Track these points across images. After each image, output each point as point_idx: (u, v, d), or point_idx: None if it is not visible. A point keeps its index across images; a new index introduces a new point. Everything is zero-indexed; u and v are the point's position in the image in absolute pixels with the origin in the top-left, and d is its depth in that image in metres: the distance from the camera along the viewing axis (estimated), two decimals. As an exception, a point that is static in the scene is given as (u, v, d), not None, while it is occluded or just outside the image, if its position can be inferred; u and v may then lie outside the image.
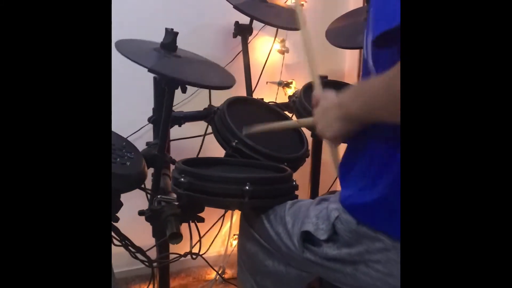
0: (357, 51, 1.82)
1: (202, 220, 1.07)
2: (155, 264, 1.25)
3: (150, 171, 1.21)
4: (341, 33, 1.51)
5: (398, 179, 0.66)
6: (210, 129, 1.28)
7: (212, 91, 1.40)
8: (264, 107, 1.38)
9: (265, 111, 1.34)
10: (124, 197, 0.99)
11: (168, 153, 1.32)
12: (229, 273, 1.71)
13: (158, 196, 1.08)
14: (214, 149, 1.27)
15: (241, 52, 1.59)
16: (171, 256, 1.32)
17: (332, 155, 0.84)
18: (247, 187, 0.89)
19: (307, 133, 1.40)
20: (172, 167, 1.21)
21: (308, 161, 1.57)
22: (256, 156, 1.13)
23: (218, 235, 1.70)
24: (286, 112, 1.45)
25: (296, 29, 1.55)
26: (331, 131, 0.75)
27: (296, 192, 1.00)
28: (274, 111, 1.36)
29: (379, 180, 0.69)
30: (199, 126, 1.42)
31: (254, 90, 1.62)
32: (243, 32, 1.54)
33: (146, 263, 1.17)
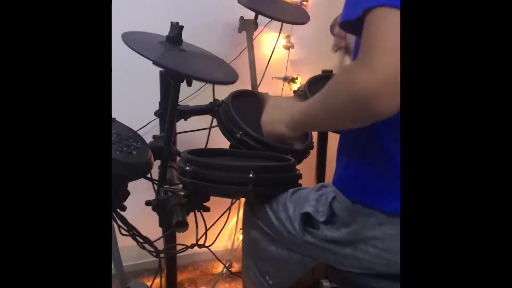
0: (362, 46, 1.83)
1: (207, 209, 1.09)
2: (162, 255, 1.27)
3: (157, 164, 1.23)
4: (345, 27, 1.52)
5: (379, 160, 0.70)
6: (215, 123, 1.30)
7: (217, 86, 1.42)
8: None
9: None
10: (132, 190, 1.01)
11: (175, 146, 1.35)
12: (236, 267, 1.73)
13: (165, 186, 1.10)
14: (220, 143, 1.29)
15: (247, 48, 1.61)
16: (178, 248, 1.34)
17: None
18: (250, 175, 0.90)
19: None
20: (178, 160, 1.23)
21: (314, 153, 1.58)
22: (260, 147, 1.15)
23: (225, 229, 1.72)
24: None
25: (302, 23, 1.58)
26: (272, 130, 0.83)
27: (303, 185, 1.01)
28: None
29: (365, 156, 0.74)
30: (205, 120, 1.44)
31: (259, 85, 1.64)
32: (248, 27, 1.56)
33: (153, 254, 1.19)
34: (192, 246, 1.27)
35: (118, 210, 0.99)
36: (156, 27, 1.21)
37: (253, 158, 1.10)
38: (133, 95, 1.56)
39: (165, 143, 1.18)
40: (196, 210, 1.14)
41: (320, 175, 1.60)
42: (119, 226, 1.06)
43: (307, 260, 0.87)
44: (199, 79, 1.07)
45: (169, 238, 1.36)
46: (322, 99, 0.66)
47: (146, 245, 1.17)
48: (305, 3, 1.79)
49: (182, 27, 1.14)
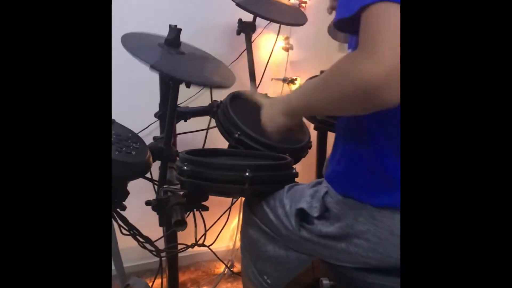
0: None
1: (206, 208, 1.11)
2: (163, 254, 1.29)
3: (158, 164, 1.25)
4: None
5: (368, 156, 0.71)
6: (213, 123, 1.32)
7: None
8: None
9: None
10: (133, 191, 1.03)
11: (175, 147, 1.36)
12: (237, 267, 1.74)
13: (164, 186, 1.12)
14: (219, 143, 1.31)
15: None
16: (179, 247, 1.36)
17: None
18: (247, 174, 0.92)
19: (309, 125, 1.43)
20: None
21: (314, 152, 1.60)
22: (258, 147, 1.16)
23: (227, 230, 1.74)
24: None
25: (300, 25, 1.60)
26: (273, 124, 0.84)
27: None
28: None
29: (351, 157, 0.75)
30: (205, 121, 1.47)
31: (258, 86, 1.66)
32: (246, 29, 1.58)
33: (154, 253, 1.21)
34: (192, 245, 1.29)
35: (118, 210, 1.01)
36: (156, 29, 1.24)
37: (251, 158, 1.12)
38: (135, 97, 1.58)
39: (165, 144, 1.20)
40: (195, 210, 1.16)
41: (320, 174, 1.62)
42: (119, 226, 1.08)
43: (304, 257, 0.88)
44: (196, 83, 1.08)
45: (171, 238, 1.37)
46: (322, 88, 0.67)
47: (147, 245, 1.19)
48: (303, 4, 1.81)
49: (180, 29, 1.16)
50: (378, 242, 0.72)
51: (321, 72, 1.67)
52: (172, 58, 1.13)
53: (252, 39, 1.64)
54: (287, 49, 1.80)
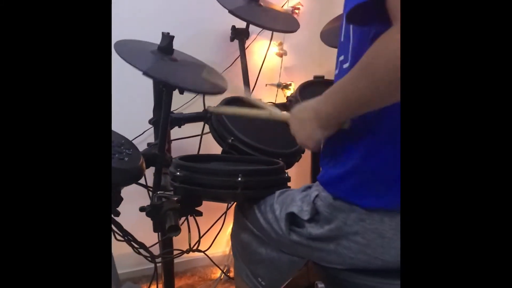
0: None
1: (200, 214, 1.11)
2: (158, 260, 1.30)
3: (152, 170, 1.26)
4: (335, 34, 1.55)
5: (361, 159, 0.72)
6: (207, 129, 1.33)
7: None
8: (259, 106, 1.41)
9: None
10: (127, 197, 1.03)
11: (169, 153, 1.37)
12: (233, 272, 1.75)
13: (158, 192, 1.13)
14: (213, 149, 1.32)
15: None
16: (174, 253, 1.36)
17: None
18: (239, 179, 0.93)
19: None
20: (172, 166, 1.25)
21: (309, 157, 1.61)
22: (251, 152, 1.17)
23: (223, 235, 1.74)
24: (284, 112, 1.49)
25: (292, 32, 1.61)
26: (313, 141, 0.78)
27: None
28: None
29: (345, 159, 0.75)
30: (200, 127, 1.48)
31: (252, 92, 1.67)
32: (240, 36, 1.59)
33: (149, 259, 1.22)
34: (187, 251, 1.30)
35: (112, 216, 1.02)
36: (149, 37, 1.25)
37: (243, 163, 1.13)
38: (129, 104, 1.59)
39: (159, 150, 1.21)
40: (189, 215, 1.17)
41: (315, 178, 1.63)
42: (114, 232, 1.09)
43: (296, 259, 0.89)
44: (187, 89, 1.10)
45: (166, 243, 1.38)
46: (359, 73, 0.63)
47: (142, 251, 1.19)
48: (296, 11, 1.82)
49: (173, 37, 1.18)
50: (366, 244, 0.73)
51: (315, 77, 1.70)
52: (165, 64, 1.14)
53: (246, 46, 1.66)
54: (280, 55, 1.82)
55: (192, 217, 1.20)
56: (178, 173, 0.97)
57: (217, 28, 1.70)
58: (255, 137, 1.19)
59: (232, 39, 1.61)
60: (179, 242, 1.35)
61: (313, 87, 1.56)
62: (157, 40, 1.20)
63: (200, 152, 1.48)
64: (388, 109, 0.64)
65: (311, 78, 1.70)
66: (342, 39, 0.78)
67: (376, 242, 0.73)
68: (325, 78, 1.68)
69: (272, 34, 1.71)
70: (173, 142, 1.49)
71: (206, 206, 1.12)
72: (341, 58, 0.78)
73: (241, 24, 1.59)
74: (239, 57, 1.64)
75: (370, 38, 0.67)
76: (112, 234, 1.08)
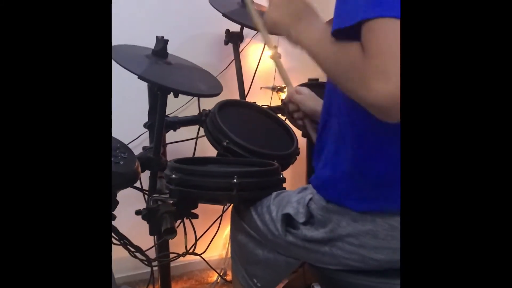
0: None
1: (196, 216, 1.12)
2: (154, 263, 1.30)
3: (147, 174, 1.26)
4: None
5: (352, 162, 0.72)
6: (202, 133, 1.33)
7: (205, 98, 1.46)
8: (254, 108, 1.43)
9: (256, 113, 1.39)
10: (123, 201, 1.04)
11: (165, 157, 1.38)
12: (230, 275, 1.75)
13: (154, 195, 1.13)
14: (209, 152, 1.32)
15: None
16: (170, 256, 1.36)
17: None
18: (234, 180, 0.93)
19: (297, 132, 1.45)
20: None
21: (304, 159, 1.61)
22: (246, 154, 1.18)
23: (220, 238, 1.74)
24: (280, 115, 1.50)
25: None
26: (274, 24, 0.81)
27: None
28: (264, 112, 1.41)
29: (336, 163, 0.76)
30: (195, 131, 1.48)
31: (247, 95, 1.67)
32: (234, 39, 1.60)
33: (145, 262, 1.22)
34: (183, 254, 1.29)
35: (108, 219, 1.02)
36: (144, 40, 1.26)
37: (238, 165, 1.13)
38: (124, 109, 1.59)
39: (154, 154, 1.21)
40: (186, 218, 1.17)
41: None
42: (111, 233, 1.09)
43: (291, 260, 0.89)
44: (183, 92, 1.10)
45: (162, 247, 1.38)
46: (335, 57, 0.65)
47: (138, 254, 1.19)
48: (290, 14, 1.83)
49: (167, 41, 1.18)
50: (360, 245, 0.74)
51: (309, 80, 1.70)
52: (159, 68, 1.15)
53: (240, 49, 1.67)
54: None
55: (188, 220, 1.20)
56: (173, 176, 0.97)
57: (211, 32, 1.71)
58: (250, 140, 1.19)
59: (226, 43, 1.62)
60: (175, 245, 1.35)
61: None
62: (151, 44, 1.20)
63: (195, 156, 1.48)
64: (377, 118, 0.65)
65: (305, 81, 1.71)
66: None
67: (369, 243, 0.73)
68: (320, 81, 1.69)
69: (266, 37, 1.72)
70: (168, 145, 1.49)
71: (202, 209, 1.12)
72: None
73: (235, 27, 1.59)
74: (234, 61, 1.65)
75: None
76: (108, 237, 1.08)
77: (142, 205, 1.25)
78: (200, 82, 1.22)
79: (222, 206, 1.54)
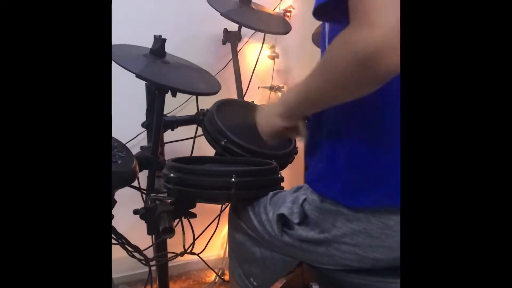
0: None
1: (194, 216, 1.11)
2: (152, 263, 1.30)
3: (145, 173, 1.26)
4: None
5: (346, 158, 0.73)
6: (200, 132, 1.33)
7: (203, 97, 1.46)
8: (252, 108, 1.42)
9: (254, 112, 1.39)
10: (121, 200, 1.03)
11: (163, 156, 1.37)
12: (228, 275, 1.75)
13: (152, 195, 1.13)
14: (207, 152, 1.32)
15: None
16: (168, 256, 1.36)
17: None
18: (233, 179, 0.93)
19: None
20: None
21: (302, 159, 1.61)
22: (244, 154, 1.18)
23: (218, 238, 1.74)
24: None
25: (284, 33, 1.63)
26: (270, 128, 0.82)
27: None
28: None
29: (330, 158, 0.76)
30: (193, 130, 1.48)
31: (245, 94, 1.67)
32: (232, 38, 1.60)
33: (143, 262, 1.22)
34: (181, 253, 1.29)
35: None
36: (142, 40, 1.25)
37: (237, 164, 1.13)
38: (122, 108, 1.59)
39: (152, 153, 1.21)
40: (183, 218, 1.17)
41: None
42: (111, 233, 1.08)
43: (288, 259, 0.89)
44: (181, 90, 1.10)
45: (160, 247, 1.38)
46: (318, 72, 0.65)
47: (136, 254, 1.19)
48: (288, 14, 1.84)
49: (164, 40, 1.18)
50: (356, 244, 0.74)
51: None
52: (157, 67, 1.15)
53: (238, 49, 1.67)
54: (273, 58, 1.83)
55: (186, 220, 1.20)
56: (171, 175, 0.97)
57: (209, 31, 1.71)
58: (248, 139, 1.19)
59: (224, 42, 1.62)
60: (173, 245, 1.35)
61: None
62: (149, 44, 1.20)
63: (192, 154, 1.48)
64: (370, 112, 0.65)
65: (303, 80, 1.71)
66: (322, 30, 0.79)
67: (364, 242, 0.73)
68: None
69: (264, 37, 1.73)
70: (166, 145, 1.49)
71: (200, 209, 1.12)
72: (321, 48, 0.80)
73: (233, 27, 1.60)
74: (232, 60, 1.65)
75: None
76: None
77: (140, 205, 1.24)
78: (198, 81, 1.22)
79: (220, 206, 1.54)
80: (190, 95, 1.53)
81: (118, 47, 1.12)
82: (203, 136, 1.30)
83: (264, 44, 1.77)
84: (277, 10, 1.82)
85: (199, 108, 1.42)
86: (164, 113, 1.25)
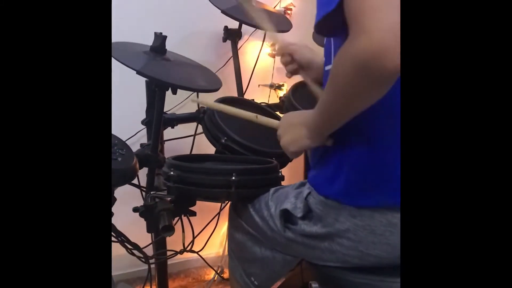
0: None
1: (194, 214, 1.11)
2: (152, 261, 1.29)
3: (145, 171, 1.26)
4: (327, 35, 1.56)
5: (349, 159, 0.73)
6: (201, 130, 1.33)
7: (203, 94, 1.45)
8: (252, 106, 1.42)
9: (254, 110, 1.39)
10: (121, 198, 1.03)
11: (162, 154, 1.37)
12: (227, 273, 1.74)
13: (151, 192, 1.12)
14: (207, 150, 1.31)
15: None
16: (168, 254, 1.36)
17: None
18: (233, 178, 0.93)
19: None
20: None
21: (301, 157, 1.61)
22: (244, 152, 1.17)
23: (217, 236, 1.74)
24: (278, 113, 1.50)
25: (285, 31, 1.62)
26: (296, 146, 0.80)
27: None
28: (262, 109, 1.40)
29: (333, 160, 0.76)
30: (193, 128, 1.47)
31: (245, 92, 1.67)
32: (232, 36, 1.59)
33: (143, 259, 1.21)
34: (181, 251, 1.29)
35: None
36: (142, 37, 1.25)
37: (237, 162, 1.13)
38: (122, 105, 1.58)
39: (152, 151, 1.21)
40: (183, 216, 1.17)
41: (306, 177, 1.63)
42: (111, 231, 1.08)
43: (289, 258, 0.89)
44: (181, 87, 1.10)
45: (159, 244, 1.38)
46: (329, 86, 0.66)
47: (136, 252, 1.19)
48: (288, 12, 1.83)
49: (165, 37, 1.18)
50: (359, 240, 0.74)
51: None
52: (158, 64, 1.14)
53: (239, 46, 1.66)
54: (273, 56, 1.82)
55: (185, 218, 1.19)
56: (171, 173, 0.96)
57: (210, 29, 1.71)
58: (249, 137, 1.19)
59: (224, 40, 1.62)
60: (173, 243, 1.35)
61: (305, 88, 1.54)
62: (149, 41, 1.20)
63: (193, 153, 1.48)
64: (375, 113, 0.65)
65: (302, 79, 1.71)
66: (325, 41, 0.79)
67: (367, 239, 0.73)
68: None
69: (264, 34, 1.72)
70: (166, 142, 1.48)
71: (199, 207, 1.12)
72: (324, 59, 0.80)
73: (233, 24, 1.59)
74: (232, 58, 1.64)
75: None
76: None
77: (139, 202, 1.24)
78: (199, 78, 1.22)
79: (220, 204, 1.54)
80: (190, 93, 1.52)
81: (118, 44, 1.11)
82: (203, 134, 1.30)
83: (264, 42, 1.77)
84: (277, 8, 1.81)
85: (200, 106, 1.41)
86: (164, 110, 1.25)
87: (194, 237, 1.29)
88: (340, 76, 0.62)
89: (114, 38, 1.12)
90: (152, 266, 1.36)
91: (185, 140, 1.51)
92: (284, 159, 1.27)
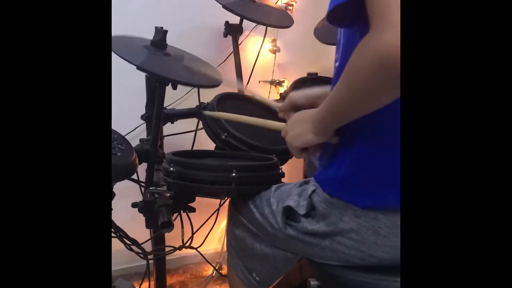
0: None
1: (193, 210, 1.11)
2: (150, 256, 1.29)
3: (144, 166, 1.25)
4: (328, 31, 1.55)
5: (357, 159, 0.72)
6: (201, 125, 1.32)
7: (204, 90, 1.44)
8: (253, 102, 1.41)
9: (254, 106, 1.38)
10: (120, 193, 1.02)
11: (162, 150, 1.36)
12: (226, 269, 1.74)
13: (151, 188, 1.12)
14: (207, 145, 1.31)
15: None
16: (166, 249, 1.35)
17: None
18: (233, 174, 0.92)
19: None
20: (164, 161, 1.24)
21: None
22: (244, 148, 1.17)
23: (215, 232, 1.74)
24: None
25: (286, 27, 1.61)
26: (300, 141, 0.79)
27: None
28: (263, 106, 1.40)
29: (341, 159, 0.75)
30: (192, 123, 1.47)
31: (245, 88, 1.66)
32: (233, 31, 1.58)
33: (141, 255, 1.21)
34: (180, 247, 1.28)
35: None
36: (143, 32, 1.23)
37: (237, 159, 1.12)
38: (122, 100, 1.57)
39: (151, 146, 1.20)
40: (183, 212, 1.16)
41: (307, 175, 1.63)
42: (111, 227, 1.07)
43: (289, 255, 0.88)
44: (182, 82, 1.09)
45: (158, 240, 1.37)
46: (344, 80, 0.63)
47: (134, 247, 1.18)
48: (290, 7, 1.82)
49: (166, 31, 1.16)
50: (361, 241, 0.74)
51: (308, 74, 1.70)
52: (158, 59, 1.13)
53: (239, 42, 1.65)
54: (274, 52, 1.81)
55: (184, 214, 1.19)
56: (171, 169, 0.96)
57: (211, 24, 1.69)
58: (249, 134, 1.18)
59: (225, 35, 1.61)
60: (171, 239, 1.34)
61: (306, 84, 1.55)
62: (150, 35, 1.19)
63: (193, 148, 1.47)
64: (382, 113, 0.64)
65: (304, 75, 1.70)
66: (337, 37, 0.78)
67: (370, 239, 0.73)
68: (319, 75, 1.68)
69: (266, 30, 1.71)
70: (165, 138, 1.48)
71: (199, 203, 1.11)
72: (335, 56, 0.78)
73: (234, 20, 1.58)
74: (232, 53, 1.63)
75: (356, 38, 0.66)
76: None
77: (138, 198, 1.24)
78: (199, 73, 1.21)
79: (219, 200, 1.53)
80: (191, 88, 1.51)
81: (118, 38, 1.10)
82: (202, 130, 1.29)
83: (265, 38, 1.76)
84: (279, 4, 1.80)
85: (201, 100, 1.40)
86: (164, 105, 1.24)
87: (193, 233, 1.29)
88: (357, 71, 0.59)
89: (115, 32, 1.11)
90: (151, 261, 1.35)
91: (184, 136, 1.50)
92: (285, 156, 1.26)
